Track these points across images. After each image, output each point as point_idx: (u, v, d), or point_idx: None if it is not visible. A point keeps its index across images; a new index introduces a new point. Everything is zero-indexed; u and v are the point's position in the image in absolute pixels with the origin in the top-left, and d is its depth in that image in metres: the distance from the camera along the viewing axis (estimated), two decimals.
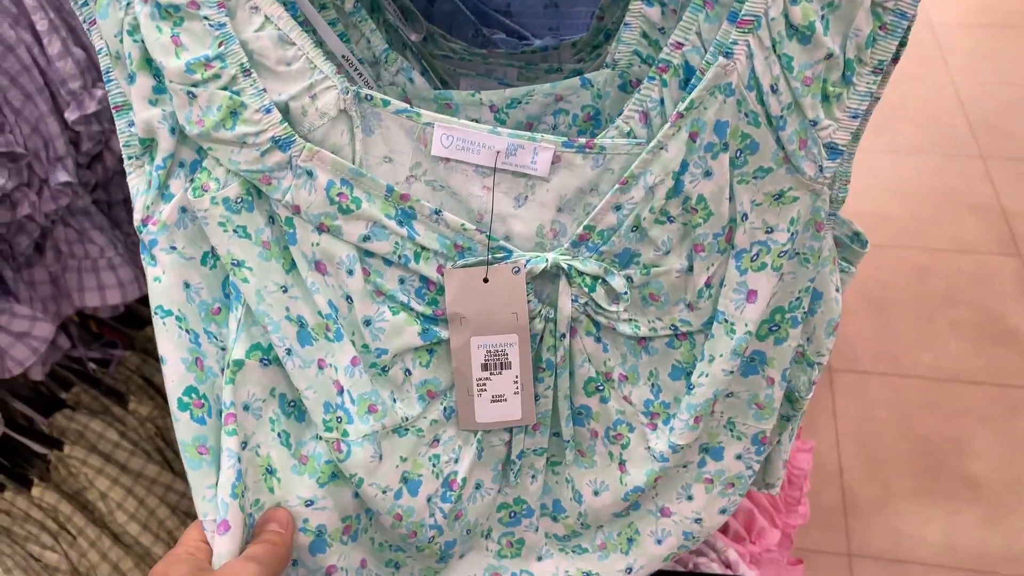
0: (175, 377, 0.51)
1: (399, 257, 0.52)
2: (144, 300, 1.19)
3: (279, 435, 0.54)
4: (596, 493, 0.60)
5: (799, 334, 0.56)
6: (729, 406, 0.59)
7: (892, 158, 2.46)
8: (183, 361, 0.51)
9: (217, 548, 0.50)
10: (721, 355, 0.54)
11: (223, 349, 0.53)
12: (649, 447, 0.58)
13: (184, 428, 0.52)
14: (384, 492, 0.55)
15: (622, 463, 0.59)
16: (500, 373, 0.56)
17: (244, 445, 0.52)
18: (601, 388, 0.58)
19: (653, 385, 0.58)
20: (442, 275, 0.53)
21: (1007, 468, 1.64)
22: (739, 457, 0.60)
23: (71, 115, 0.80)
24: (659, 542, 0.63)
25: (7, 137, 0.78)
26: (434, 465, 0.57)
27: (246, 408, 0.52)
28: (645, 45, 0.53)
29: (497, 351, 0.55)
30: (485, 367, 0.56)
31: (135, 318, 1.19)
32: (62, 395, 1.07)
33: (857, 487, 1.64)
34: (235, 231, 0.51)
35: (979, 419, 1.73)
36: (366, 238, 0.51)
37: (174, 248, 0.51)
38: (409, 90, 0.61)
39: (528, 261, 0.53)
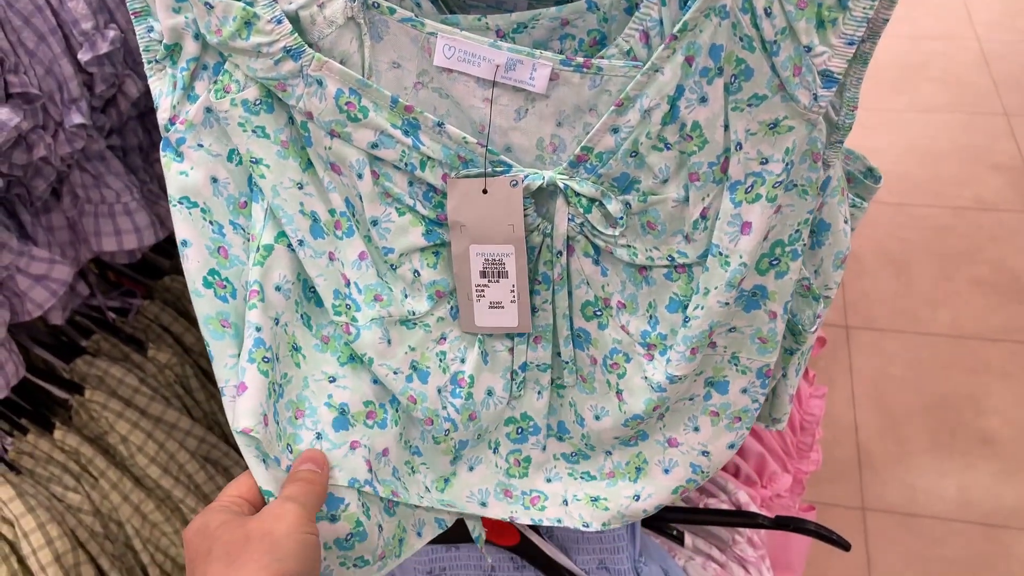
0: (199, 259, 0.55)
1: (405, 164, 0.54)
2: (160, 249, 1.20)
3: (302, 316, 0.58)
4: (597, 418, 0.61)
5: (799, 267, 0.56)
6: (732, 340, 0.59)
7: (915, 116, 2.42)
8: (207, 248, 0.55)
9: (238, 407, 0.53)
10: (716, 287, 0.54)
11: (249, 240, 0.56)
12: (646, 377, 0.58)
13: (207, 304, 0.55)
14: (395, 373, 0.58)
15: (619, 392, 0.60)
16: (497, 281, 0.58)
17: (276, 322, 0.55)
18: (599, 313, 0.58)
19: (651, 317, 0.58)
20: (446, 182, 0.55)
21: (1023, 425, 1.63)
22: (744, 391, 0.60)
23: (84, 56, 0.80)
24: (666, 472, 0.63)
25: (21, 78, 0.79)
26: (440, 360, 0.60)
27: (277, 288, 0.55)
28: None
29: (494, 260, 0.57)
30: (483, 274, 0.58)
31: (152, 268, 1.21)
32: (82, 342, 1.09)
33: (872, 443, 1.63)
34: (253, 131, 0.54)
35: (996, 376, 1.72)
36: (374, 145, 0.54)
37: (201, 146, 0.54)
38: (416, 13, 0.61)
39: (526, 176, 0.54)
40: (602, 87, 0.52)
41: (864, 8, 0.46)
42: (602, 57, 0.53)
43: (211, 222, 0.55)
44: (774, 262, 0.55)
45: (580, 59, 0.52)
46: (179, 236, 0.55)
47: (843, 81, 0.51)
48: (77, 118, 0.83)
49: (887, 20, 0.49)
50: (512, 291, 0.58)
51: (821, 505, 1.53)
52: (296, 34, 0.51)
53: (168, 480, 1.00)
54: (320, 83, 0.52)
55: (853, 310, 1.89)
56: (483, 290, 0.58)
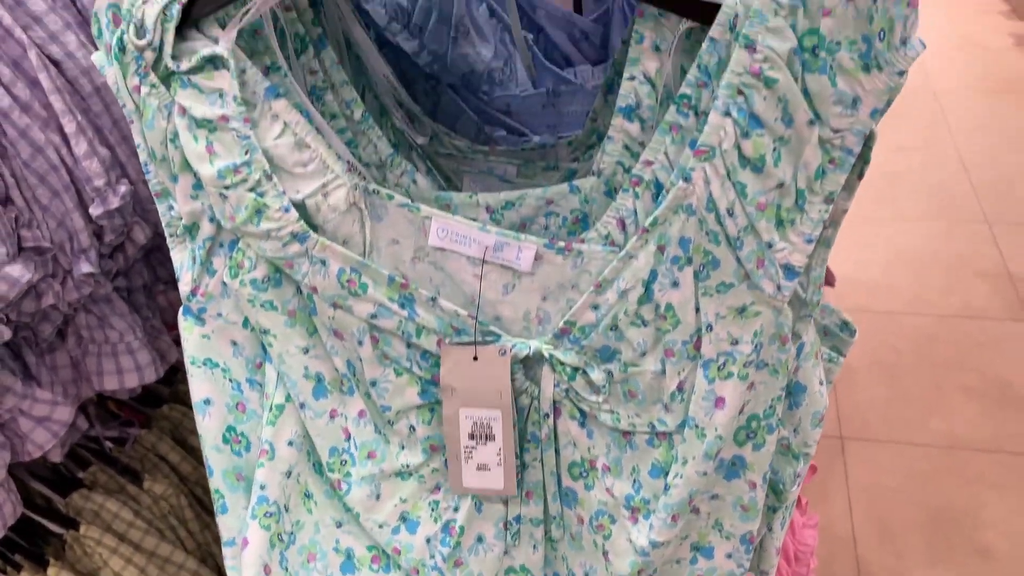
0: (219, 417, 0.60)
1: (402, 333, 0.58)
2: (160, 380, 1.22)
3: (314, 464, 0.62)
4: (587, 575, 0.63)
5: (775, 439, 0.58)
6: (715, 508, 0.61)
7: (898, 226, 2.49)
8: (226, 406, 0.60)
9: (244, 560, 0.59)
10: (694, 457, 0.56)
11: (264, 396, 0.61)
12: (631, 540, 0.60)
13: (225, 459, 0.61)
14: (381, 527, 0.62)
15: (605, 552, 0.62)
16: (485, 444, 0.60)
17: (288, 475, 0.61)
18: (585, 474, 0.60)
19: (635, 480, 0.60)
20: (440, 348, 0.58)
21: (1020, 537, 1.63)
22: (729, 556, 0.62)
23: (95, 210, 0.84)
24: None
25: (35, 232, 0.82)
26: (432, 510, 0.63)
27: (290, 444, 0.61)
28: (627, 156, 0.57)
29: (482, 423, 0.60)
30: (472, 436, 0.60)
31: (152, 397, 1.22)
32: (79, 474, 1.09)
33: (871, 556, 1.62)
34: (262, 306, 0.58)
35: (991, 487, 1.72)
36: (374, 316, 0.57)
37: (220, 315, 0.59)
38: (412, 191, 0.66)
39: (514, 346, 0.57)
40: (583, 268, 0.56)
41: (820, 211, 0.49)
42: (582, 240, 0.56)
43: (231, 380, 0.60)
44: (751, 435, 0.57)
45: (562, 243, 0.56)
46: (199, 395, 0.60)
47: (809, 263, 0.54)
48: (86, 267, 0.86)
49: (846, 210, 0.53)
50: (499, 454, 0.60)
51: None
52: (302, 220, 0.55)
53: None
54: (324, 263, 0.56)
55: (847, 421, 1.90)
56: (471, 451, 0.61)
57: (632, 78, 0.54)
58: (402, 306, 0.57)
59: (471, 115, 0.81)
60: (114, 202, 0.85)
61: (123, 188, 0.87)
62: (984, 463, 1.78)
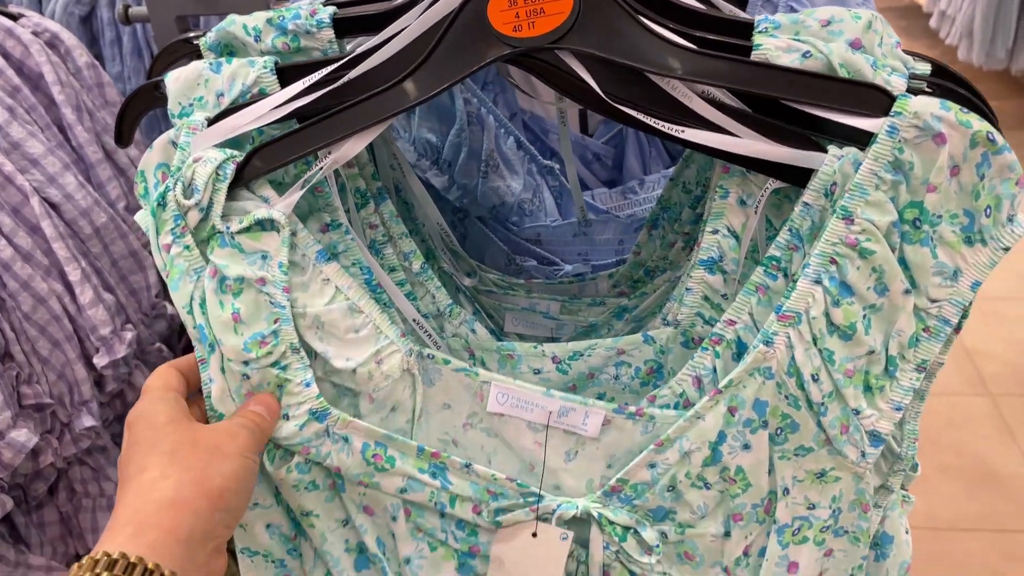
0: None
1: (435, 504, 0.54)
2: None
3: None
4: None
5: None
6: None
7: None
8: None
9: None
10: None
11: (301, 557, 0.58)
12: None
13: None
14: None
15: None
16: None
17: None
18: None
19: None
20: (478, 514, 0.55)
21: None
22: None
23: (101, 360, 0.79)
24: None
25: (35, 388, 0.77)
26: None
27: None
28: (708, 307, 0.55)
29: None
30: None
31: None
32: None
33: None
34: (306, 488, 0.54)
35: (980, 568, 1.73)
36: (403, 490, 0.54)
37: (257, 504, 0.55)
38: (472, 340, 0.63)
39: (559, 506, 0.54)
40: (654, 432, 0.53)
41: (911, 379, 0.48)
42: (655, 397, 0.54)
43: (273, 561, 0.57)
44: None
45: (632, 408, 0.53)
46: None
47: (903, 417, 0.53)
48: (88, 421, 0.80)
49: (942, 364, 0.52)
50: None
51: None
52: (322, 399, 0.51)
53: None
54: (346, 440, 0.52)
55: None
56: None
57: (715, 232, 0.53)
58: (433, 476, 0.54)
59: (500, 246, 0.79)
60: (120, 351, 0.80)
61: (128, 335, 0.82)
62: (970, 544, 1.79)
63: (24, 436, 0.72)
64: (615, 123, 0.93)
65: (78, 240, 0.82)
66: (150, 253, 0.89)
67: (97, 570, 0.41)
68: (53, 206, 0.81)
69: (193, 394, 0.54)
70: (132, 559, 0.41)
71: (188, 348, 0.99)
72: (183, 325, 0.59)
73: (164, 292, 0.91)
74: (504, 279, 0.74)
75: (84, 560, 0.42)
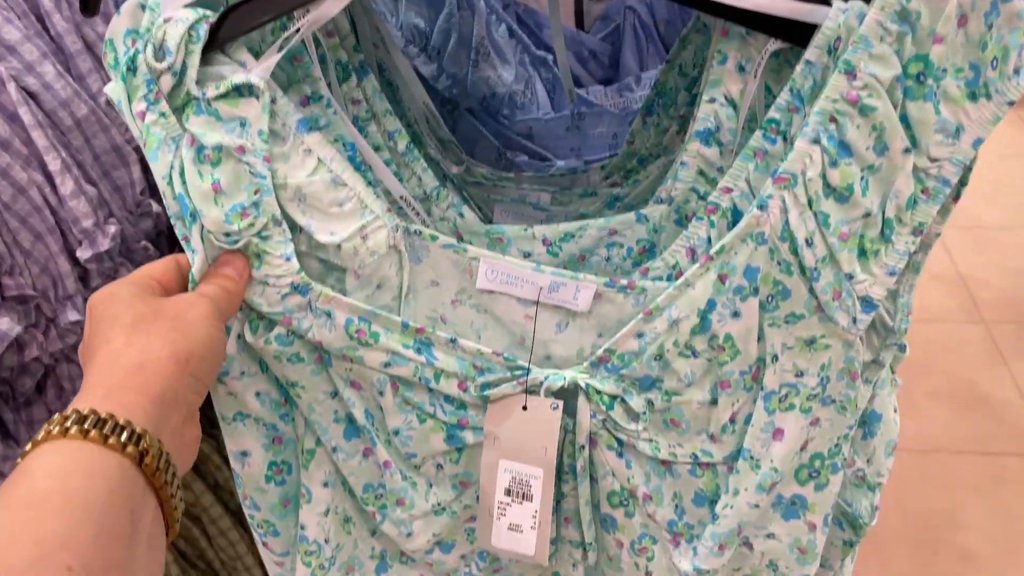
0: (259, 461, 0.58)
1: (420, 379, 0.54)
2: None
3: (349, 492, 0.61)
4: None
5: (840, 480, 0.56)
6: (771, 548, 0.58)
7: None
8: (264, 447, 0.58)
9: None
10: (746, 489, 0.54)
11: (293, 421, 0.59)
12: (673, 562, 0.58)
13: (270, 495, 0.59)
14: (414, 551, 0.61)
15: (648, 573, 0.59)
16: (521, 503, 0.57)
17: (325, 512, 0.60)
18: (626, 503, 0.58)
19: (677, 507, 0.57)
20: (463, 391, 0.55)
21: (1000, 538, 1.65)
22: None
23: (83, 254, 0.78)
24: None
25: (17, 280, 0.75)
26: (468, 535, 0.61)
27: (325, 484, 0.59)
28: (703, 182, 0.54)
29: (522, 480, 0.57)
30: (508, 492, 0.57)
31: None
32: None
33: (857, 566, 1.62)
34: (288, 360, 0.54)
35: (969, 490, 1.75)
36: (387, 364, 0.53)
37: (243, 373, 0.55)
38: (460, 224, 0.62)
39: (546, 378, 0.54)
40: (646, 304, 0.52)
41: (907, 242, 0.47)
42: (647, 270, 0.53)
43: (264, 424, 0.57)
44: (813, 474, 0.54)
45: (624, 281, 0.52)
46: (235, 448, 0.57)
47: (897, 290, 0.52)
48: (72, 315, 0.79)
49: (939, 234, 0.50)
50: (534, 517, 0.57)
51: None
52: (303, 273, 0.50)
53: None
54: (329, 315, 0.52)
55: None
56: (505, 509, 0.58)
57: (712, 100, 0.51)
58: (418, 351, 0.53)
59: (491, 140, 0.77)
60: (103, 244, 0.79)
61: (112, 228, 0.80)
62: (959, 465, 1.81)
63: (6, 325, 0.71)
64: (611, 19, 0.90)
65: (58, 132, 0.80)
66: (134, 149, 0.87)
67: (67, 424, 0.40)
68: (31, 95, 0.78)
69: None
70: (103, 415, 0.40)
71: (173, 249, 0.98)
72: (171, 226, 0.57)
73: (150, 190, 0.90)
74: (493, 172, 0.72)
75: (55, 417, 0.41)
